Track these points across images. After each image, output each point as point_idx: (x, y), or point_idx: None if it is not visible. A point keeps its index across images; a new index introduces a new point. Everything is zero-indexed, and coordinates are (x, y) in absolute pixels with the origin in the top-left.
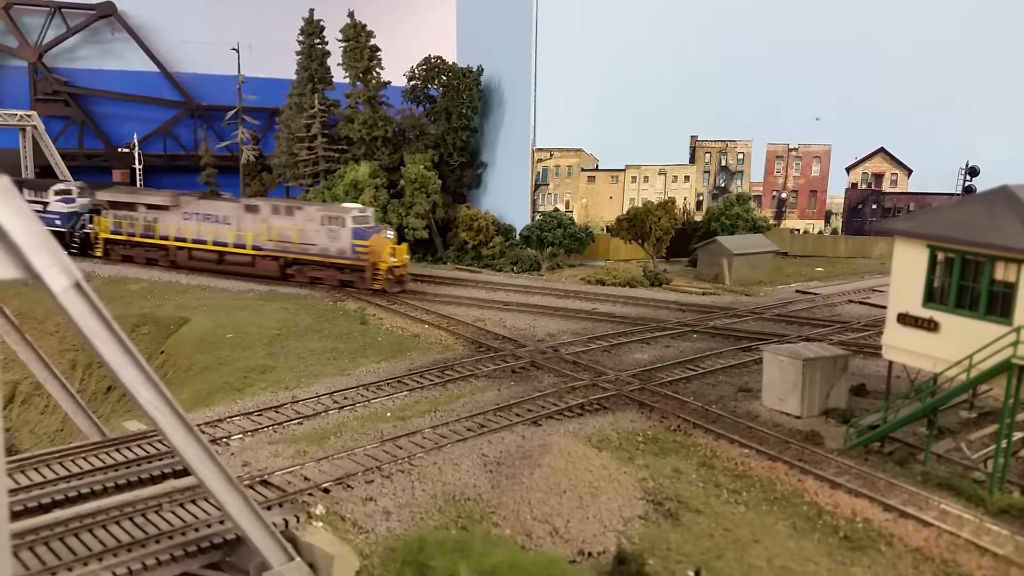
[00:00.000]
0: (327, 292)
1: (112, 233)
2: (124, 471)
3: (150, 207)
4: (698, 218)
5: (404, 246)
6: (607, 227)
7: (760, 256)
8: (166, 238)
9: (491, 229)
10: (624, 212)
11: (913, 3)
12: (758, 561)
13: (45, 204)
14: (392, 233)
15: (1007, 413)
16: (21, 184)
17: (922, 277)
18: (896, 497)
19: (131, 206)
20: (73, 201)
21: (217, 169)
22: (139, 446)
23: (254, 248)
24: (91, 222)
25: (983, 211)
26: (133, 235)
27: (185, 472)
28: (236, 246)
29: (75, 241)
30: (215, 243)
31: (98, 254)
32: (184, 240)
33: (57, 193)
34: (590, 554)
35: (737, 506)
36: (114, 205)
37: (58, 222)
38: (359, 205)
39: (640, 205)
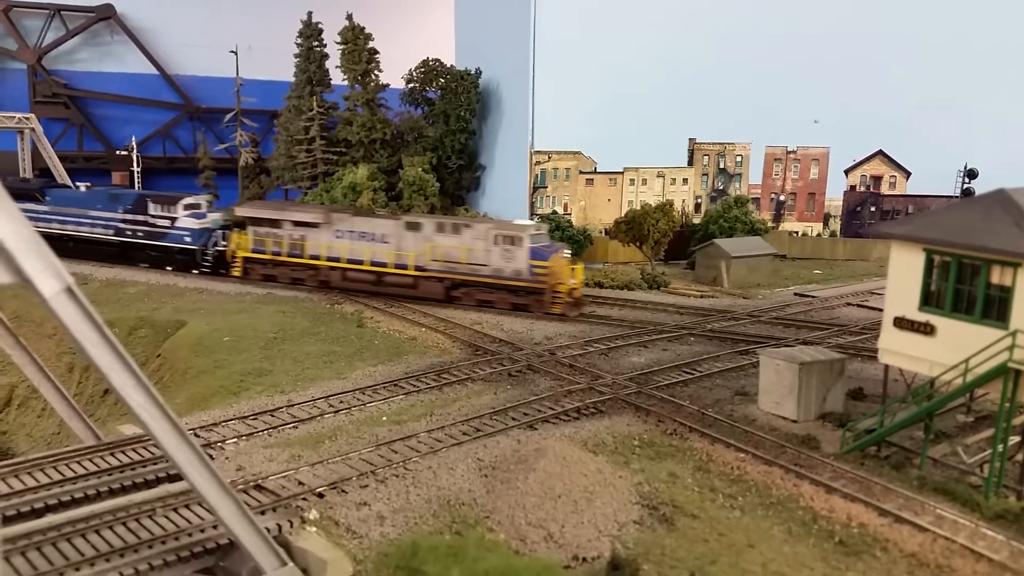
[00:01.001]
0: (324, 295)
1: (254, 251)
2: (119, 475)
3: (297, 224)
4: (696, 220)
5: (580, 266)
6: (605, 230)
7: (758, 259)
8: (316, 257)
9: None
10: (622, 215)
11: (912, 6)
12: (753, 566)
13: (173, 219)
14: (569, 251)
15: (1003, 417)
16: (147, 198)
17: (918, 281)
18: (892, 502)
19: (275, 223)
20: (204, 216)
21: (215, 171)
22: (134, 450)
23: (417, 269)
24: (223, 239)
25: (980, 215)
26: (279, 254)
27: (179, 476)
28: (397, 266)
29: (207, 259)
30: (373, 263)
31: (236, 273)
32: (337, 260)
33: (187, 208)
34: (584, 559)
35: (732, 511)
36: (255, 221)
37: (188, 239)
38: (534, 222)
39: (638, 208)
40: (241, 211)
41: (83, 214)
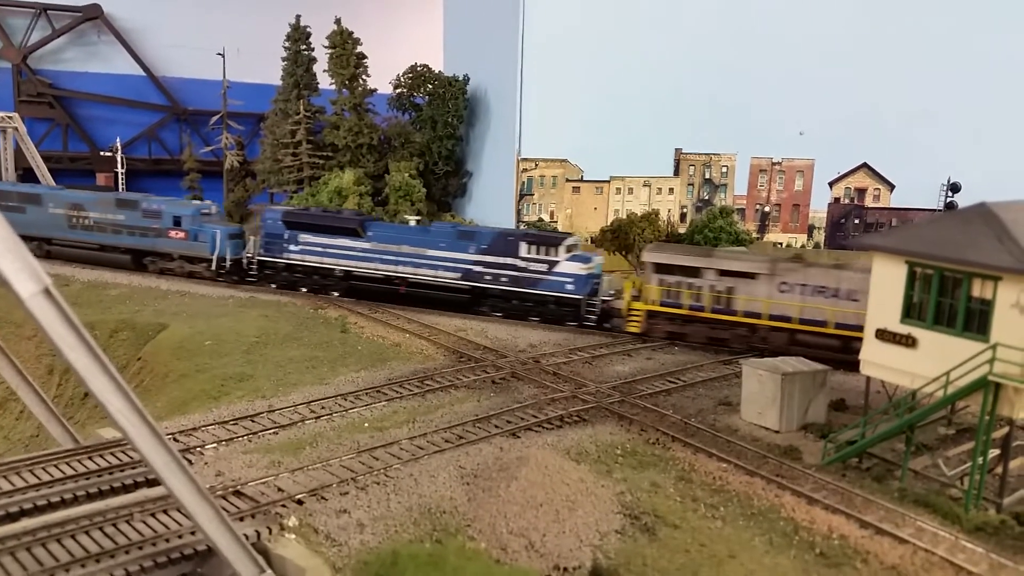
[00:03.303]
0: (308, 299)
1: (663, 305)
2: (96, 479)
3: (726, 273)
4: (682, 230)
5: None
6: (591, 238)
7: None
8: (754, 315)
9: None
10: (608, 223)
11: (897, 18)
12: None
13: (552, 264)
14: None
15: (983, 430)
16: (517, 238)
17: (900, 293)
18: (873, 514)
19: (693, 271)
20: (589, 260)
21: (201, 174)
22: (112, 454)
23: None
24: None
25: (961, 228)
26: (700, 309)
27: (158, 481)
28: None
29: (593, 311)
30: (839, 326)
31: (633, 329)
32: (786, 319)
33: (569, 250)
34: (565, 569)
35: (714, 521)
36: (664, 268)
37: (570, 287)
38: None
39: (624, 216)
40: (652, 256)
41: (418, 254)
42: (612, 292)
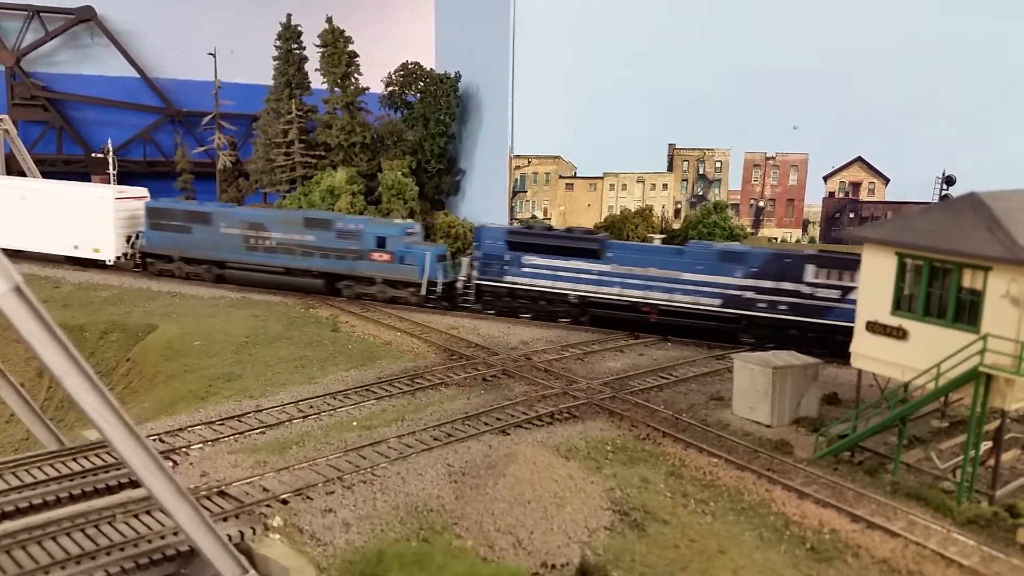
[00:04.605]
0: (299, 299)
1: None
2: (80, 480)
3: None
4: (676, 226)
5: None
6: None
7: None
8: None
9: (468, 236)
10: (602, 219)
11: (891, 12)
12: (723, 572)
13: (846, 290)
14: None
15: (975, 422)
16: (802, 260)
17: (891, 285)
18: (864, 507)
19: None
20: None
21: (193, 175)
22: (97, 455)
23: None
24: None
25: (951, 218)
26: None
27: None
28: None
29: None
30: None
31: None
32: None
33: None
34: (553, 566)
35: (704, 516)
36: None
37: None
38: None
39: (618, 213)
40: None
41: (670, 277)
42: None
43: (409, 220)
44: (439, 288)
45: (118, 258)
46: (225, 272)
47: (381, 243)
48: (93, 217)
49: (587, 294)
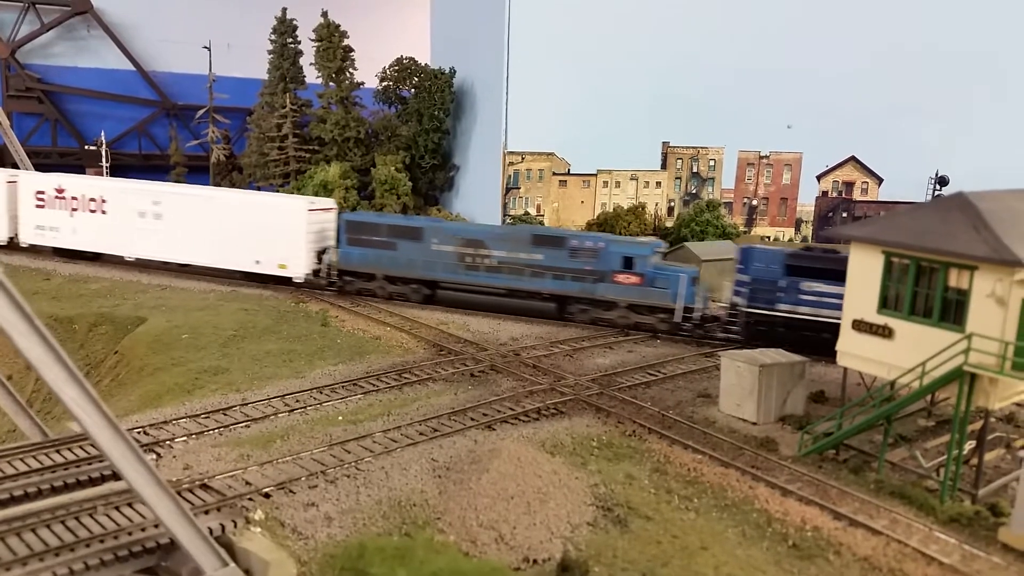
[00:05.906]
0: (289, 293)
1: None
2: (62, 472)
3: None
4: (669, 224)
5: None
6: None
7: (729, 262)
8: None
9: None
10: (595, 217)
11: (885, 12)
12: (705, 568)
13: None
14: None
15: (959, 421)
16: None
17: (877, 283)
18: (847, 505)
19: None
20: None
21: (188, 168)
22: (80, 447)
23: None
24: None
25: (938, 218)
26: None
27: None
28: None
29: None
30: None
31: None
32: None
33: None
34: (535, 561)
35: (687, 512)
36: None
37: None
38: None
39: (611, 210)
40: None
41: None
42: None
43: (654, 238)
44: (696, 314)
45: (308, 275)
46: (437, 293)
47: (628, 264)
48: (282, 231)
49: None
